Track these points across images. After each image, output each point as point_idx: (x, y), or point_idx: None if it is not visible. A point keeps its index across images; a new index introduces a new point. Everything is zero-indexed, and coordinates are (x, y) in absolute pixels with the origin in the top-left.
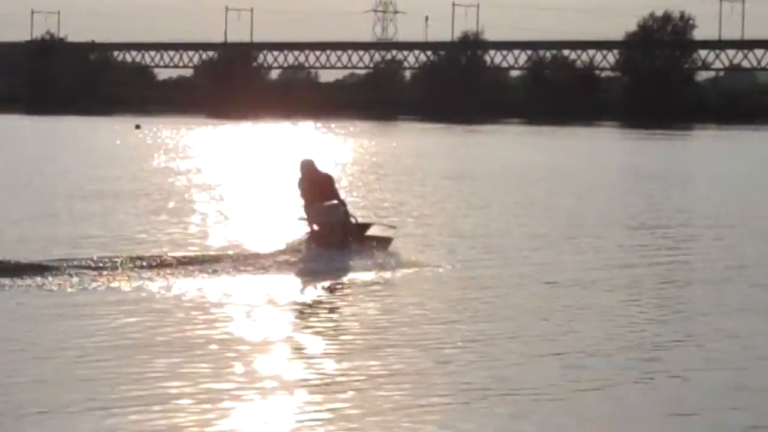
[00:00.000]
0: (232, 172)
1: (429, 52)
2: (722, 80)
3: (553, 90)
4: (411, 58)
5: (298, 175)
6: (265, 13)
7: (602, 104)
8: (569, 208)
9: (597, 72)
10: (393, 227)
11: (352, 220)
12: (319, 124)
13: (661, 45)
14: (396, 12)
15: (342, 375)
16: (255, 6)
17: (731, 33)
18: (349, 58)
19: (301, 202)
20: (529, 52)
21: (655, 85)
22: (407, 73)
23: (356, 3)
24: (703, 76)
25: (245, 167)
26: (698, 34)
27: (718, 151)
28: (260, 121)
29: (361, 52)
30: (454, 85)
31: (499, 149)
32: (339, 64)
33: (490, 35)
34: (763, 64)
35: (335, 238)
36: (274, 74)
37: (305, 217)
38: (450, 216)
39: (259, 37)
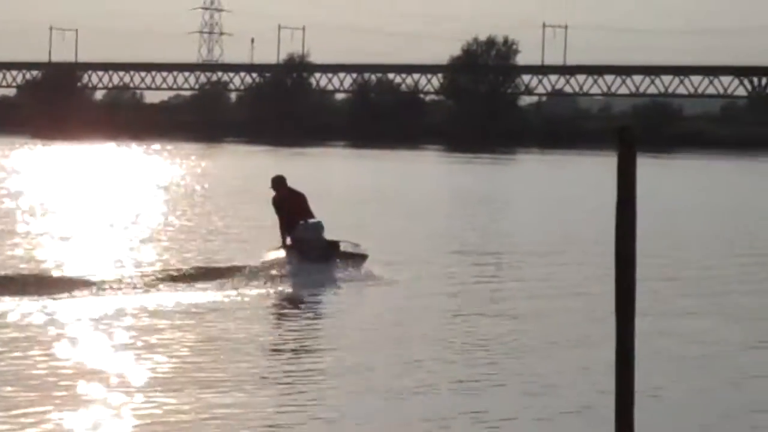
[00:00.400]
0: (64, 192)
1: (255, 74)
2: (545, 105)
3: (378, 113)
4: (237, 80)
5: (272, 192)
6: (90, 33)
7: (428, 128)
8: (394, 230)
9: (422, 96)
10: (357, 245)
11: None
12: (143, 146)
13: (485, 69)
14: (222, 33)
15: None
16: (80, 26)
17: (554, 59)
18: (175, 80)
19: (278, 216)
20: (354, 75)
21: (479, 109)
22: (233, 95)
23: (182, 24)
24: (526, 100)
25: (73, 187)
26: (521, 60)
27: (540, 175)
28: (85, 141)
29: (186, 74)
30: (279, 108)
31: (324, 171)
32: (164, 86)
33: (315, 58)
34: (584, 89)
35: (319, 252)
36: (100, 94)
37: (286, 232)
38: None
39: (84, 57)
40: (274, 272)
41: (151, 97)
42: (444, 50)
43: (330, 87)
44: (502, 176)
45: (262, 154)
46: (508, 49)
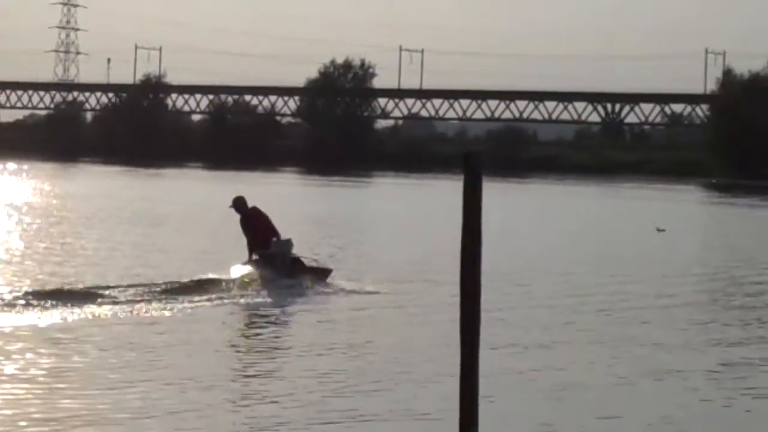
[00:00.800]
0: None
1: (111, 94)
2: (401, 128)
3: (235, 134)
4: (93, 100)
5: (237, 213)
6: None
7: (285, 150)
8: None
9: (279, 118)
10: (315, 260)
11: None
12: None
13: (342, 92)
14: (78, 53)
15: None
16: None
17: (410, 82)
18: (30, 99)
19: (246, 235)
20: (211, 96)
21: (336, 132)
22: (89, 115)
23: (38, 42)
24: (382, 124)
25: None
26: (378, 83)
27: (393, 198)
28: None
29: (42, 93)
30: (136, 128)
31: (181, 193)
32: (19, 104)
33: (172, 78)
34: (440, 113)
35: (286, 267)
36: None
37: (256, 249)
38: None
39: None
40: (248, 285)
41: (6, 116)
42: (301, 72)
43: (186, 108)
44: (355, 198)
45: (119, 175)
46: (365, 72)
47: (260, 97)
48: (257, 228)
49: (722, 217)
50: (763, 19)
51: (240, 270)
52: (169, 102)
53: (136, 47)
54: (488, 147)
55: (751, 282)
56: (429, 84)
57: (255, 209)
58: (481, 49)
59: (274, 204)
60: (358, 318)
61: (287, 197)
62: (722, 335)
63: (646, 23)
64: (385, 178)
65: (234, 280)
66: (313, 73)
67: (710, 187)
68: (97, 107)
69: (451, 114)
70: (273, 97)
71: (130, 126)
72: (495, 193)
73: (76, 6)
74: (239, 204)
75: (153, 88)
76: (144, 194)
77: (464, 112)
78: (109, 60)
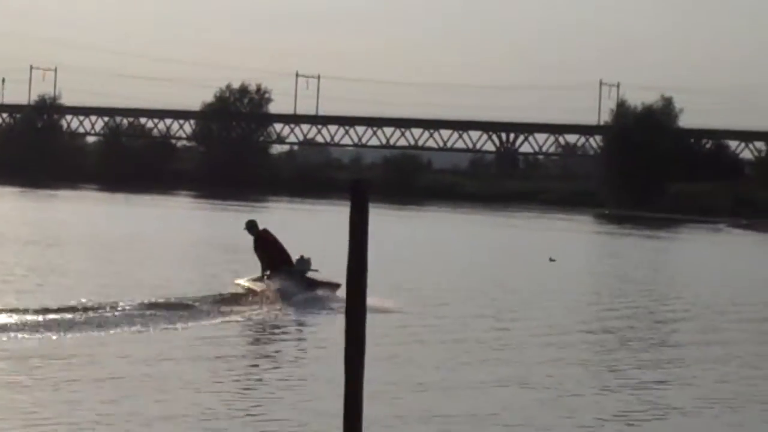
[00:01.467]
0: None
1: (5, 115)
2: (297, 154)
3: (130, 157)
4: None
5: (250, 235)
6: None
7: (179, 173)
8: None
9: (174, 141)
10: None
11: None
12: None
13: (238, 117)
14: None
15: None
16: None
17: (306, 108)
18: None
19: (260, 255)
20: (106, 119)
21: (231, 156)
22: None
23: None
24: (278, 149)
25: None
26: (274, 108)
27: (288, 223)
28: None
29: None
30: (30, 149)
31: (76, 215)
32: None
33: (67, 100)
34: (336, 139)
35: (305, 282)
36: None
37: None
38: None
39: None
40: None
41: None
42: (197, 96)
43: (81, 129)
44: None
45: (14, 196)
46: (261, 97)
47: (155, 120)
48: (267, 247)
49: (614, 247)
50: (656, 52)
51: (260, 284)
52: (64, 123)
53: (31, 68)
54: (383, 174)
55: (647, 311)
56: (325, 110)
57: (266, 231)
58: (377, 77)
59: (164, 228)
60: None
61: (180, 220)
62: (614, 365)
63: (541, 54)
64: (279, 203)
65: (255, 292)
66: (209, 97)
67: (603, 217)
68: None
69: (346, 140)
70: (168, 120)
71: (25, 147)
72: (387, 220)
73: None
74: (252, 227)
75: (48, 109)
76: (39, 216)
77: (360, 138)
78: (2, 80)
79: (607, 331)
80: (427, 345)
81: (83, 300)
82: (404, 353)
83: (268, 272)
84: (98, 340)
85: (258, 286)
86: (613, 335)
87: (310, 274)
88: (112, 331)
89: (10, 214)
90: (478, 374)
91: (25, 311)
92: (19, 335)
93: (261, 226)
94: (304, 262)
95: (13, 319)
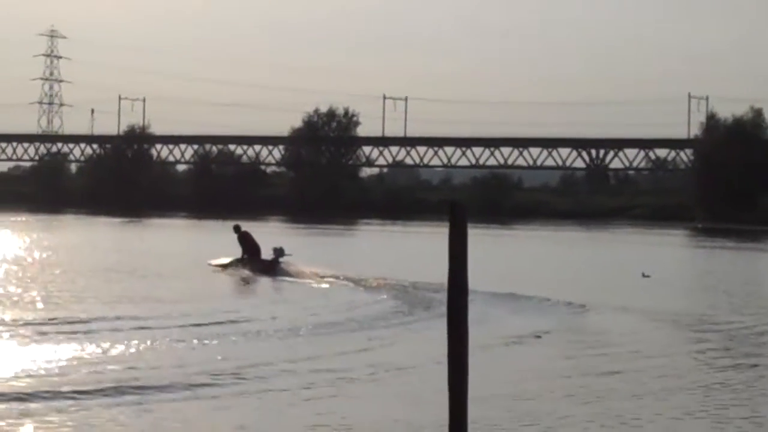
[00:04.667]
0: None
1: (95, 145)
2: (386, 176)
3: (220, 184)
4: (77, 151)
5: (235, 233)
6: None
7: (269, 199)
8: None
9: (263, 167)
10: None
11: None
12: None
13: (326, 141)
14: (62, 105)
15: None
16: None
17: (394, 130)
18: (14, 150)
19: (242, 246)
20: (195, 146)
21: (321, 180)
22: (73, 166)
23: (21, 95)
24: (367, 171)
25: None
26: (362, 131)
27: (384, 244)
28: None
29: (26, 144)
30: (120, 179)
31: (170, 243)
32: (3, 156)
33: (156, 129)
34: (425, 161)
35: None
36: None
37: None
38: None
39: None
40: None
41: None
42: (286, 121)
43: (171, 158)
44: (346, 246)
45: (106, 226)
46: (348, 120)
47: (244, 147)
48: (251, 242)
49: (708, 261)
50: (745, 64)
51: (230, 260)
52: (154, 152)
53: (120, 98)
54: (473, 194)
55: (742, 327)
56: (413, 131)
57: (246, 232)
58: (465, 97)
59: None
60: None
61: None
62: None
63: (630, 69)
64: (370, 225)
65: (226, 266)
66: (297, 122)
67: (696, 231)
68: (82, 158)
69: (435, 161)
70: (257, 147)
71: (115, 177)
72: (480, 240)
73: (59, 58)
74: (237, 228)
75: (137, 139)
76: (132, 245)
77: (449, 159)
78: (92, 111)
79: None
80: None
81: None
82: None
83: (245, 256)
84: None
85: (228, 262)
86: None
87: (283, 258)
88: None
89: (102, 245)
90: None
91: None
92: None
93: (311, 244)
94: (279, 250)
95: None
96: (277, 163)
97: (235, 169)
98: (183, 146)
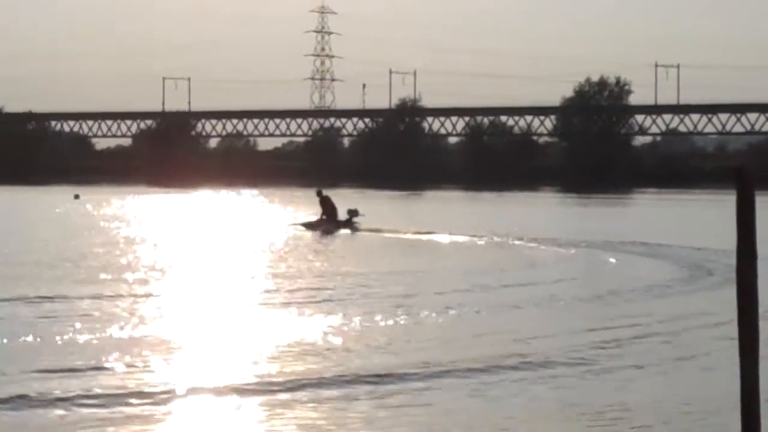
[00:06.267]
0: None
1: (367, 119)
2: (660, 144)
3: (492, 156)
4: (349, 126)
5: (317, 197)
6: (202, 82)
7: (541, 170)
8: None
9: (535, 137)
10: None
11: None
12: (256, 192)
13: (598, 110)
14: (333, 80)
15: None
16: (192, 75)
17: (667, 98)
18: (288, 126)
19: (322, 208)
20: (467, 119)
21: (593, 150)
22: (345, 141)
23: (294, 71)
24: (640, 140)
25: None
26: (634, 99)
27: (665, 216)
28: (200, 189)
29: (299, 120)
30: (392, 152)
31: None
32: (277, 132)
33: (427, 102)
34: (699, 128)
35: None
36: (213, 142)
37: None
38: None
39: (197, 106)
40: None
41: (265, 144)
42: (556, 92)
43: (442, 131)
44: (623, 218)
45: (381, 199)
46: (620, 89)
47: (516, 118)
48: (326, 206)
49: None
50: None
51: (313, 221)
52: (425, 125)
53: (391, 72)
54: (750, 161)
55: None
56: (686, 99)
57: (327, 196)
58: (740, 62)
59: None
60: None
61: (555, 217)
62: None
63: None
64: (644, 194)
65: (311, 224)
66: (568, 92)
67: None
68: (354, 133)
69: (709, 128)
70: (529, 117)
71: (387, 150)
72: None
73: (329, 34)
74: (319, 192)
75: (409, 112)
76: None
77: (723, 126)
78: (364, 85)
79: None
80: None
81: None
82: None
83: (324, 217)
84: None
85: (309, 222)
86: None
87: (356, 218)
88: None
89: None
90: None
91: None
92: None
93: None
94: (354, 211)
95: None
96: (549, 134)
97: (507, 140)
98: (454, 118)
